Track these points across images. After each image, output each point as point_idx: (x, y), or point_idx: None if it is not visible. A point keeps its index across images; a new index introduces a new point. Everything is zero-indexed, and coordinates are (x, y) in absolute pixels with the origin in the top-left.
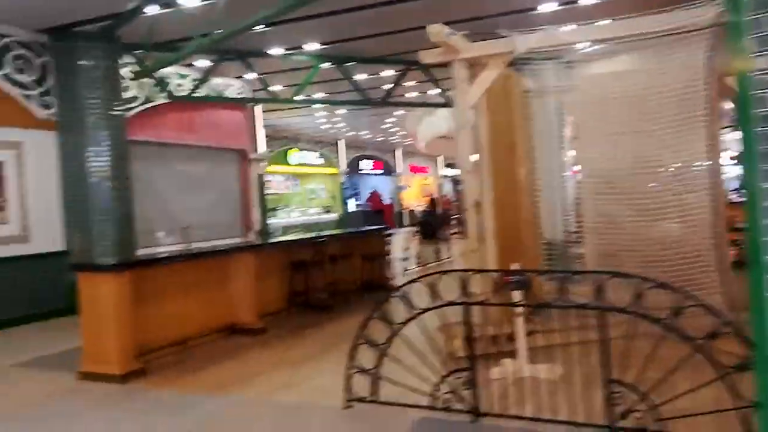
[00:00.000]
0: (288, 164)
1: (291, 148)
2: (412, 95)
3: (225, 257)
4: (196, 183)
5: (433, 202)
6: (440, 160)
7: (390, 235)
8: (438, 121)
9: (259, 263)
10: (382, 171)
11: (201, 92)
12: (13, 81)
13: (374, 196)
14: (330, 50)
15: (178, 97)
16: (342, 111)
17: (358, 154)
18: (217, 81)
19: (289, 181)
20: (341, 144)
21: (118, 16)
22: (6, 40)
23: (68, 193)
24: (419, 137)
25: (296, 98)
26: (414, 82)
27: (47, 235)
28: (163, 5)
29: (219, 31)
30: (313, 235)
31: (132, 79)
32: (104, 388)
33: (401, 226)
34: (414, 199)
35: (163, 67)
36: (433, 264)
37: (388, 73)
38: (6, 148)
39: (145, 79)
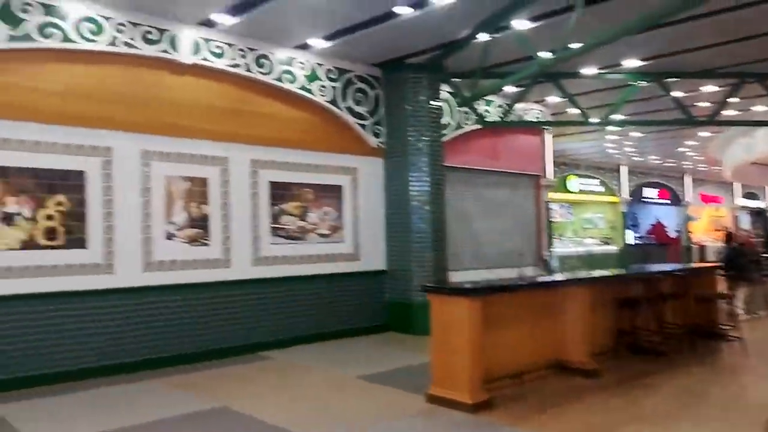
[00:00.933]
0: (567, 191)
1: (569, 175)
2: (728, 113)
3: (556, 289)
4: (496, 208)
5: (729, 237)
6: (737, 188)
7: (731, 276)
8: (755, 144)
9: (590, 298)
10: (668, 200)
11: (506, 118)
12: (352, 112)
13: (658, 228)
14: (649, 66)
15: (488, 123)
16: (636, 134)
17: (641, 181)
18: (517, 105)
19: (563, 209)
20: (623, 170)
21: (448, 46)
22: (349, 75)
23: (391, 215)
24: (726, 162)
25: (609, 119)
26: (736, 98)
27: (373, 255)
28: (494, 31)
29: (546, 54)
30: (644, 270)
31: (458, 107)
32: (456, 417)
33: (689, 263)
34: (704, 233)
35: (489, 94)
36: (765, 313)
37: (710, 88)
38: (345, 173)
39: (457, 107)
